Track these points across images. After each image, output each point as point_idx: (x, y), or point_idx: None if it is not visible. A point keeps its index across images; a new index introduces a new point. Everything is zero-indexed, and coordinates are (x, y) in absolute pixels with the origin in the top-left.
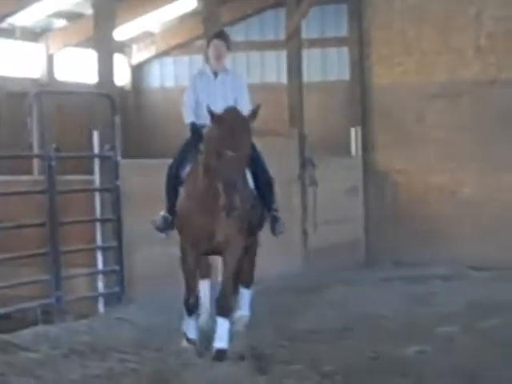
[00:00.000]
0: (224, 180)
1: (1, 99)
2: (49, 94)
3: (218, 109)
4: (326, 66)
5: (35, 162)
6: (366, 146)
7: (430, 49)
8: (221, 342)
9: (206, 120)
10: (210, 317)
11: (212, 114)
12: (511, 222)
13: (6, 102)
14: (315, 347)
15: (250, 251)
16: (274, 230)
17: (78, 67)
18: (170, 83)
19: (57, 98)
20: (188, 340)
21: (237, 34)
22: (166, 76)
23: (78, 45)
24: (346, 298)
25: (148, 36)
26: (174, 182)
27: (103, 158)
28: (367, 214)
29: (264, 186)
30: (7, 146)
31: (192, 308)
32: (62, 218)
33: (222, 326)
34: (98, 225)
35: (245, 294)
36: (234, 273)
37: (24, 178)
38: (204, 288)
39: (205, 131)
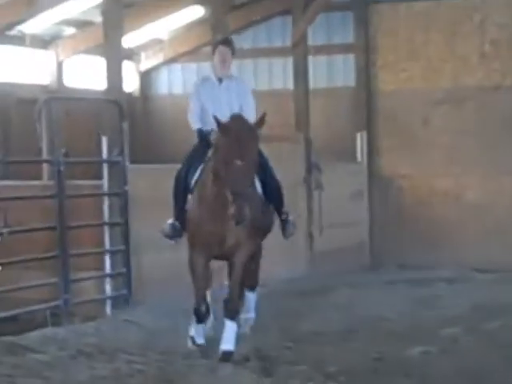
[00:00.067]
0: (232, 190)
1: (11, 105)
2: (58, 101)
3: (224, 115)
4: (332, 73)
5: (45, 167)
6: (371, 151)
7: (435, 55)
8: (228, 344)
9: (212, 126)
10: (212, 324)
11: (218, 123)
12: None
13: (16, 109)
14: (320, 349)
15: (254, 255)
16: (284, 232)
17: (87, 74)
18: (177, 90)
19: (66, 104)
20: (196, 345)
21: (244, 41)
22: (174, 82)
23: (87, 52)
24: (350, 301)
25: (156, 43)
26: (182, 188)
27: (111, 163)
28: (372, 217)
29: (273, 191)
30: (17, 152)
31: (202, 318)
32: (71, 222)
33: (230, 328)
34: (106, 229)
35: (250, 297)
36: (241, 276)
37: (34, 182)
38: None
39: (212, 137)
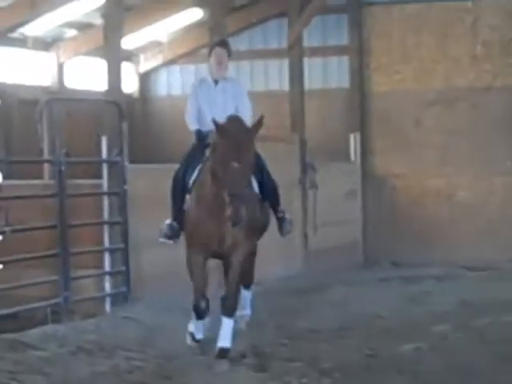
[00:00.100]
0: (230, 192)
1: (13, 106)
2: (59, 102)
3: (219, 116)
4: (327, 74)
5: (46, 167)
6: (365, 151)
7: (428, 57)
8: (225, 341)
9: (208, 127)
10: (209, 321)
11: (216, 125)
12: (505, 224)
13: (17, 109)
14: (315, 345)
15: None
16: (282, 230)
17: (87, 75)
18: (176, 91)
19: (67, 105)
20: (195, 340)
21: (241, 43)
22: (173, 84)
23: (87, 54)
24: (345, 298)
25: (155, 45)
26: (180, 188)
27: (111, 163)
28: (366, 216)
29: (270, 192)
30: (19, 152)
31: (202, 314)
32: (72, 220)
33: (227, 325)
34: (105, 227)
35: (245, 295)
36: (239, 275)
37: (35, 182)
38: None
39: (210, 138)
